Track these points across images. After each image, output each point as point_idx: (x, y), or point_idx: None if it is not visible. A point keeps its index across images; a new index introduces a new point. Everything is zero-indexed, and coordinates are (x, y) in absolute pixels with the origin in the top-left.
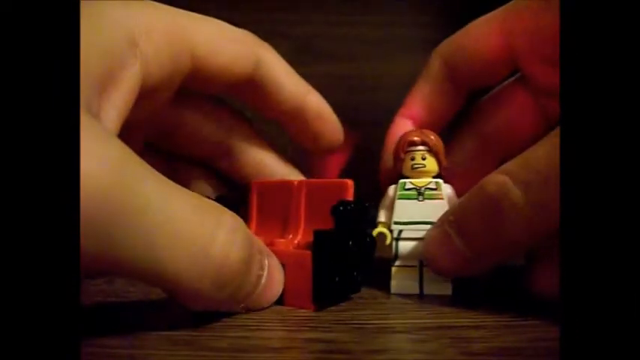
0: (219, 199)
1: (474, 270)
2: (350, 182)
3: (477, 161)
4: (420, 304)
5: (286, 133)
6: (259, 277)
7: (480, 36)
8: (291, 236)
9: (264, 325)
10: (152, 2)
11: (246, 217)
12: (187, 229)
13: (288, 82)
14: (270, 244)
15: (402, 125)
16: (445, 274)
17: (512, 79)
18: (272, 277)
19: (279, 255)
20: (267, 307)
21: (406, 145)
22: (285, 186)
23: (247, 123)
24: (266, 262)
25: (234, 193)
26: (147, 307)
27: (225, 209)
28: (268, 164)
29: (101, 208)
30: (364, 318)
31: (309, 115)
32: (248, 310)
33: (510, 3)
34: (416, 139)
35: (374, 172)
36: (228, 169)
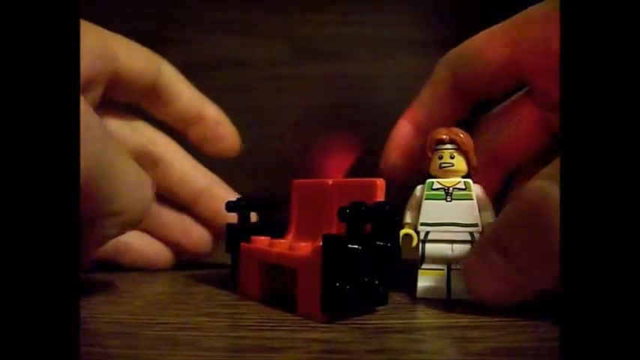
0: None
1: (526, 295)
2: (379, 182)
3: (484, 176)
4: (420, 304)
5: (189, 141)
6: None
7: (486, 47)
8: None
9: (264, 325)
10: (95, 26)
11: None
12: (136, 181)
13: (186, 91)
14: (290, 248)
15: (404, 129)
16: (494, 305)
17: (519, 93)
18: None
19: (290, 260)
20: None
21: (434, 144)
22: (321, 186)
23: (167, 136)
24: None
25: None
26: (147, 306)
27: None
28: (192, 175)
29: (92, 172)
30: (364, 318)
31: (208, 121)
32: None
33: (516, 15)
34: (444, 137)
35: (373, 172)
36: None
